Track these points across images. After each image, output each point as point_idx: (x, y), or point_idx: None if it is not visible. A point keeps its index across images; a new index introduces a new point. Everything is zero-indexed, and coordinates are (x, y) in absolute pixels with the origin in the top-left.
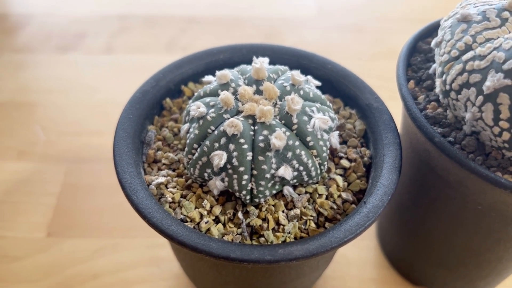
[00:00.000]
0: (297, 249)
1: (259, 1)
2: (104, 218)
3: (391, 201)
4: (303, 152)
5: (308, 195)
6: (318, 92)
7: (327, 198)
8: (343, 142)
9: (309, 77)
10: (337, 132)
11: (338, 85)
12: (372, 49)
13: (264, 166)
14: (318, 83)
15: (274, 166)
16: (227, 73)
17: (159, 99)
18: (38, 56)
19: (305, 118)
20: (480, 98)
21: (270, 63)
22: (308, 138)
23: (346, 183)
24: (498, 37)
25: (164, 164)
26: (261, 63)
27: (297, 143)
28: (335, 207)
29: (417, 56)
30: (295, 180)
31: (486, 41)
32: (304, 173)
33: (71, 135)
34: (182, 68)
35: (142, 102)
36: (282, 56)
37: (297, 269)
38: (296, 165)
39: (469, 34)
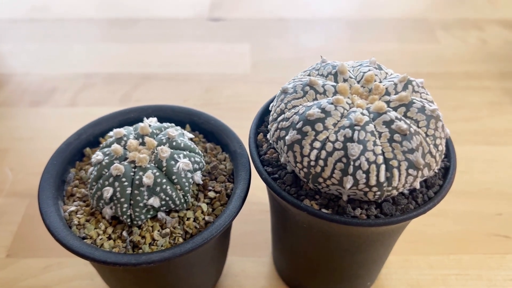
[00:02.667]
0: (156, 255)
1: (204, 60)
2: (53, 242)
3: (274, 222)
4: (168, 187)
5: (178, 218)
6: (189, 143)
7: (194, 221)
8: (215, 178)
9: (185, 132)
10: (200, 171)
11: (218, 136)
12: None
13: (138, 198)
14: (191, 136)
15: (146, 197)
16: (121, 131)
17: (81, 148)
18: (15, 110)
19: (173, 162)
20: (286, 147)
21: (170, 119)
22: (174, 177)
23: (211, 209)
24: (300, 105)
25: (77, 197)
26: (148, 122)
27: (164, 180)
28: (198, 226)
29: (269, 115)
30: (164, 207)
31: (292, 107)
32: (170, 202)
33: (34, 175)
34: (100, 125)
35: (65, 151)
36: (178, 114)
37: (173, 273)
38: (163, 196)
39: (284, 102)
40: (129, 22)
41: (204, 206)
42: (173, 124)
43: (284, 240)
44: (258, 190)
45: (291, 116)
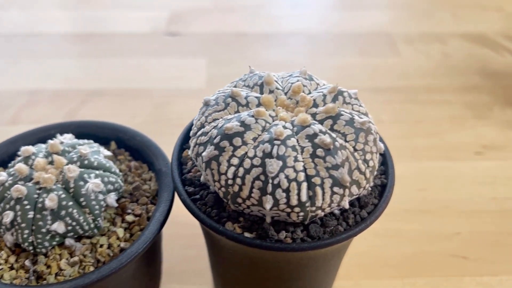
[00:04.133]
0: (55, 287)
1: (158, 76)
2: None
3: (207, 248)
4: (75, 211)
5: (91, 245)
6: (104, 161)
7: (109, 247)
8: (137, 200)
9: (101, 149)
10: (115, 193)
11: (144, 153)
12: None
13: (40, 223)
14: (109, 153)
15: (49, 222)
16: (29, 148)
17: None
18: None
19: (82, 182)
20: (203, 165)
21: (94, 136)
22: (82, 199)
23: (129, 235)
24: (220, 118)
25: None
26: (60, 139)
27: (70, 203)
28: (112, 254)
29: None
30: (72, 233)
31: (213, 120)
32: (77, 227)
33: None
34: (16, 143)
35: None
36: (103, 130)
37: None
38: (69, 221)
39: (204, 115)
40: (81, 36)
41: (120, 232)
42: (91, 141)
43: (217, 266)
44: None
45: (210, 130)
